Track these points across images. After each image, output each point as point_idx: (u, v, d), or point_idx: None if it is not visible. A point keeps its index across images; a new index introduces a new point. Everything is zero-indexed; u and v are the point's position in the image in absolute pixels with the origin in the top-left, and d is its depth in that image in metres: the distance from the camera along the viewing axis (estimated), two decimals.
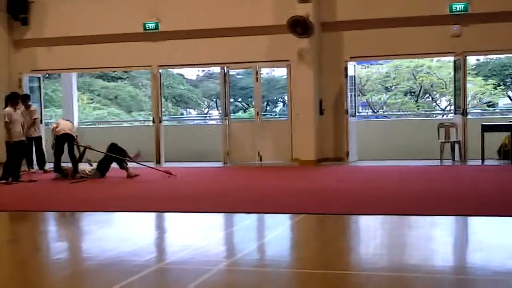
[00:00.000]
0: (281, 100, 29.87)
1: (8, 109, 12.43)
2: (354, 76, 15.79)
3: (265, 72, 27.08)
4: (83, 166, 13.11)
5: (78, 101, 19.38)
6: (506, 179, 11.36)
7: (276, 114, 29.03)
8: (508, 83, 26.11)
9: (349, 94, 14.99)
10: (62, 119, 13.47)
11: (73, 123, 13.47)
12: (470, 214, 7.91)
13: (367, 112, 26.46)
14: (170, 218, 8.62)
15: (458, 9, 14.29)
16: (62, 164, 13.19)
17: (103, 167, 13.04)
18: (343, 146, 14.93)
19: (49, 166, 13.99)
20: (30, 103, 14.40)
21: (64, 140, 12.94)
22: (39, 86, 17.41)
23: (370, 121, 19.81)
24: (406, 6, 14.55)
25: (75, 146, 13.17)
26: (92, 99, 28.00)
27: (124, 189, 11.22)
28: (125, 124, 23.83)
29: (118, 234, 7.54)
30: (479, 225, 7.54)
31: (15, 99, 12.72)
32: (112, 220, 8.54)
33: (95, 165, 13.13)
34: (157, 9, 15.92)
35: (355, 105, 15.86)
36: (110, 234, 7.52)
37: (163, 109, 17.13)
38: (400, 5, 14.59)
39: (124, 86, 28.94)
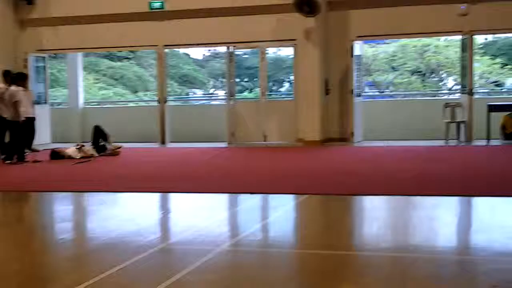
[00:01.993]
0: (287, 80, 29.79)
1: (15, 88, 12.48)
2: (361, 55, 15.70)
3: (271, 51, 27.00)
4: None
5: (83, 81, 19.36)
6: (511, 160, 11.33)
7: (282, 94, 28.97)
8: None
9: (355, 73, 14.93)
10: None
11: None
12: (474, 194, 7.90)
13: (373, 92, 26.38)
14: (173, 199, 8.64)
15: None
16: (60, 146, 13.39)
17: (98, 147, 13.29)
18: (349, 126, 14.90)
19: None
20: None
21: (29, 124, 13.01)
22: (45, 66, 17.41)
23: (376, 101, 19.75)
24: None
25: None
26: (98, 79, 28.00)
27: (125, 169, 11.24)
28: (130, 104, 23.84)
29: (122, 214, 7.57)
30: (482, 205, 7.54)
31: (22, 79, 12.90)
32: (115, 200, 8.57)
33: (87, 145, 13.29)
34: None
35: (361, 85, 15.78)
36: (114, 214, 7.54)
37: (168, 89, 17.09)
38: None
39: (130, 66, 28.93)
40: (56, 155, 12.90)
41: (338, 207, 7.66)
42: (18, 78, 12.93)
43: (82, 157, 12.80)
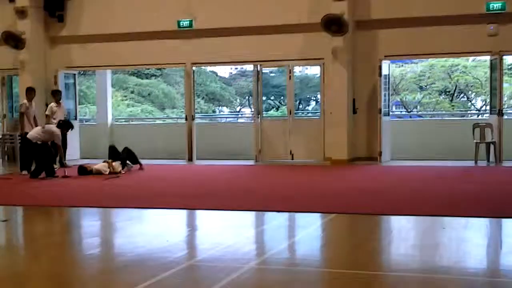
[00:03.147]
0: (314, 98, 29.81)
1: (53, 104, 12.79)
2: (388, 75, 15.66)
3: (298, 70, 27.06)
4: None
5: (112, 98, 19.57)
6: None
7: (308, 112, 28.97)
8: None
9: (383, 93, 14.87)
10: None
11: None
12: (504, 216, 7.79)
13: (401, 111, 26.26)
14: (201, 216, 8.65)
15: (495, 7, 14.08)
16: (89, 162, 13.59)
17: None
18: (376, 146, 14.82)
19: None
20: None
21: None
22: (74, 83, 17.66)
23: (404, 121, 19.64)
24: (441, 4, 14.38)
25: None
26: (126, 96, 28.27)
27: (153, 186, 11.28)
28: (158, 121, 24.01)
29: (150, 230, 7.59)
30: None
31: (53, 95, 13.35)
32: (144, 216, 8.60)
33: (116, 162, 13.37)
34: (191, 7, 15.98)
35: (388, 104, 15.73)
36: (142, 230, 7.57)
37: (195, 107, 17.18)
38: (435, 3, 14.43)
39: (158, 83, 29.17)
40: (84, 170, 13.02)
41: (365, 226, 7.60)
42: (52, 95, 13.27)
43: (110, 173, 12.90)
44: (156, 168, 13.89)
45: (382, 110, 14.77)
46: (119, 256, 6.37)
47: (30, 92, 14.10)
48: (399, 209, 8.45)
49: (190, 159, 15.96)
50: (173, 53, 16.37)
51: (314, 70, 27.18)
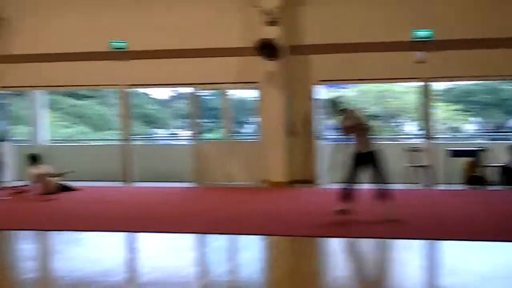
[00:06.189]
0: (251, 121, 30.00)
1: None
2: (322, 99, 15.96)
3: (235, 93, 27.22)
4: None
5: (47, 119, 19.23)
6: (478, 204, 11.58)
7: (246, 135, 29.11)
8: (473, 109, 26.63)
9: (317, 117, 15.15)
10: None
11: None
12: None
13: (335, 135, 26.68)
14: (141, 238, 8.60)
15: (422, 35, 14.58)
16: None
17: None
18: (313, 168, 15.03)
19: None
20: None
21: None
22: (6, 103, 17.29)
23: (339, 144, 19.95)
24: (373, 31, 14.78)
25: None
26: (60, 117, 27.80)
27: (90, 208, 11.13)
28: (93, 143, 23.68)
29: (88, 253, 7.50)
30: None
31: None
32: (81, 239, 8.49)
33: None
34: (126, 28, 15.91)
35: (323, 128, 16.02)
36: (80, 254, 7.47)
37: (131, 129, 17.08)
38: (367, 30, 14.82)
39: (93, 104, 28.83)
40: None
41: (305, 248, 7.71)
42: None
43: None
44: (93, 190, 13.70)
45: (317, 133, 15.04)
46: (55, 280, 6.29)
47: None
48: (338, 231, 8.62)
49: (128, 181, 15.81)
50: (106, 75, 16.20)
51: (251, 93, 27.43)
